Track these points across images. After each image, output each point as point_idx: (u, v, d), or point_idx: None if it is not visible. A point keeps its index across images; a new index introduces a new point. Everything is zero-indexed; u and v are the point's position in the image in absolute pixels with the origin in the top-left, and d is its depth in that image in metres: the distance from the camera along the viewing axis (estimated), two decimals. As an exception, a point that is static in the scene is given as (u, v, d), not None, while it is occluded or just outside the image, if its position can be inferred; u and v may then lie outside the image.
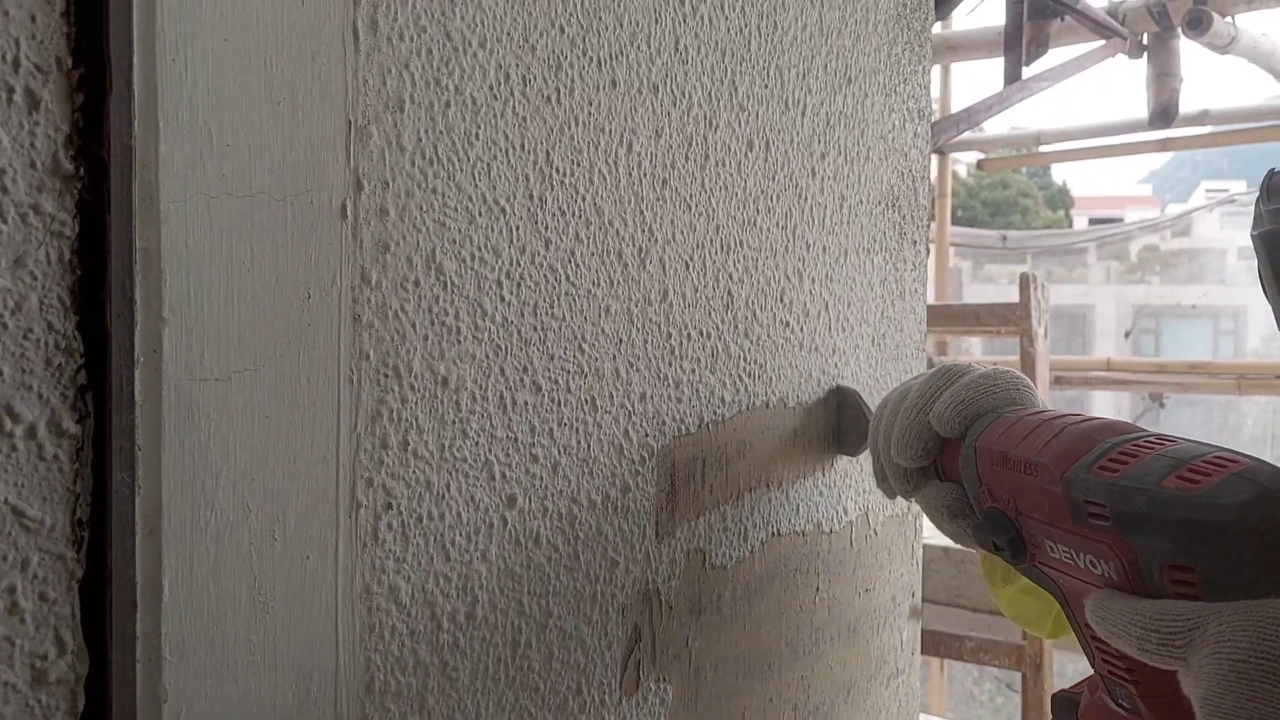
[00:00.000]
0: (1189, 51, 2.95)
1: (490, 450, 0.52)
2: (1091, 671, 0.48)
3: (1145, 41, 2.82)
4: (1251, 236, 0.65)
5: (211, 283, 0.39)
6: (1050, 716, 0.50)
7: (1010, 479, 0.50)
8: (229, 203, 0.40)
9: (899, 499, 0.66)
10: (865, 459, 0.84)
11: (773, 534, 0.74)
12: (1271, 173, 0.64)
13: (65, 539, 0.36)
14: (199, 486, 0.39)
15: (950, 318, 2.56)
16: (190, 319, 0.39)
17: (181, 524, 0.39)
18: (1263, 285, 0.65)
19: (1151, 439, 0.44)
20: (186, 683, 0.39)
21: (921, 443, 0.59)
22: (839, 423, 0.79)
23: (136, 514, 0.37)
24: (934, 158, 4.24)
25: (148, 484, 0.38)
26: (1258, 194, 0.66)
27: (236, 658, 0.41)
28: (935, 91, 4.22)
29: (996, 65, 2.53)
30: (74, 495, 0.36)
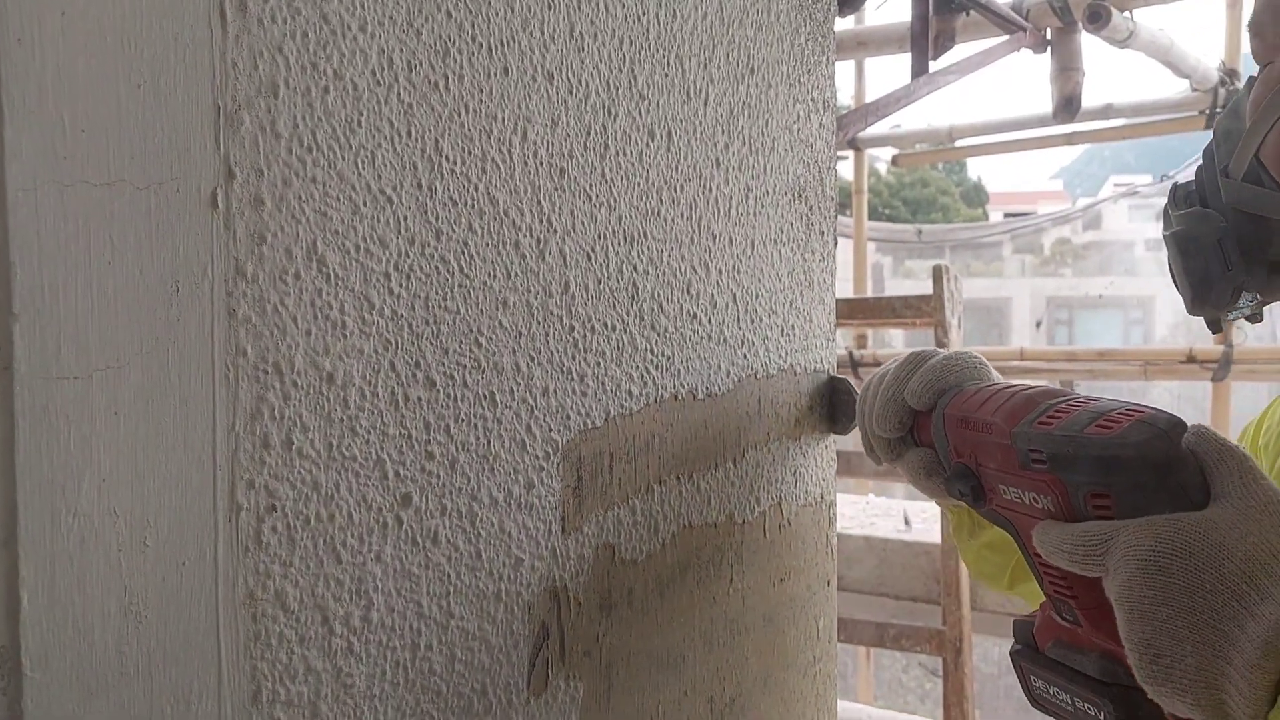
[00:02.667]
0: (1091, 46, 3.04)
1: (382, 448, 0.50)
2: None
3: (1048, 36, 2.90)
4: (1164, 237, 0.76)
5: (68, 276, 0.37)
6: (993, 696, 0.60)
7: (971, 438, 0.60)
8: (85, 191, 0.38)
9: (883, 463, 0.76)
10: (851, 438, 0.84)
11: (684, 526, 0.73)
12: (1175, 185, 0.75)
13: (-95, 551, 0.33)
14: (58, 491, 0.37)
15: (867, 310, 2.59)
16: (44, 315, 0.36)
17: (40, 531, 0.36)
18: (1173, 278, 0.75)
19: (1080, 399, 0.54)
20: (50, 699, 0.37)
21: (899, 416, 0.70)
22: (831, 407, 0.91)
23: (-13, 522, 0.35)
24: (850, 153, 4.30)
25: (1, 490, 0.35)
26: (1167, 200, 0.76)
27: (106, 671, 0.39)
28: (849, 87, 4.29)
29: (908, 62, 2.57)
30: (-85, 504, 0.34)
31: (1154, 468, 0.47)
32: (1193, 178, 0.75)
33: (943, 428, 0.65)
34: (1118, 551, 0.46)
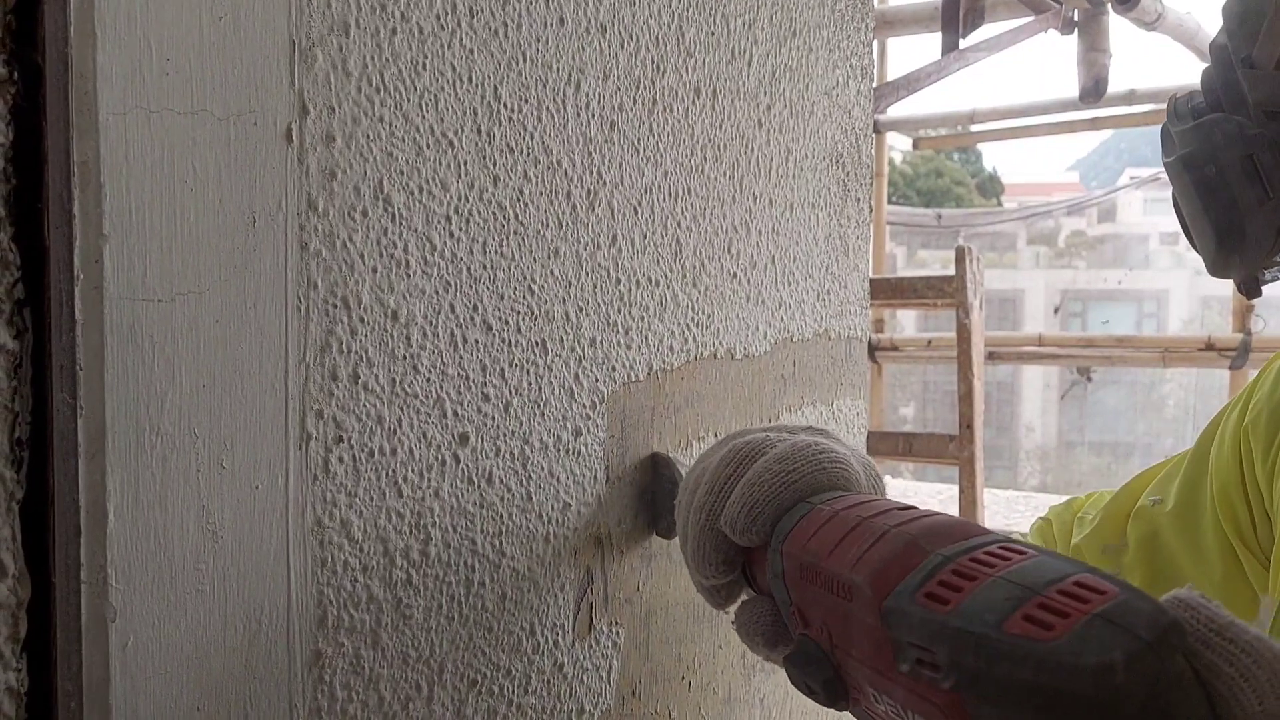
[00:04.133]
0: (1118, 30, 3.02)
1: (442, 387, 0.51)
2: None
3: (1076, 17, 2.89)
4: (1165, 165, 0.58)
5: (153, 200, 0.38)
6: None
7: (822, 600, 0.39)
8: (170, 119, 0.38)
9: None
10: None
11: (722, 483, 0.74)
12: (1174, 97, 0.59)
13: (4, 458, 0.35)
14: (143, 410, 0.38)
15: (889, 290, 2.60)
16: (131, 237, 0.37)
17: (126, 447, 0.37)
18: (1184, 225, 0.59)
19: (995, 549, 0.34)
20: (133, 610, 0.38)
21: (721, 554, 0.48)
22: (654, 499, 0.65)
23: (79, 435, 0.36)
24: (870, 136, 4.29)
25: (90, 405, 0.36)
26: (1165, 120, 0.59)
27: (185, 586, 0.40)
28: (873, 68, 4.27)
29: (932, 43, 2.58)
30: (12, 413, 0.35)
31: (1131, 707, 0.27)
32: (1198, 86, 0.56)
33: (781, 576, 0.43)
34: None
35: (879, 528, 0.37)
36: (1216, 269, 0.55)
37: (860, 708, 0.38)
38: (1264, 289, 0.54)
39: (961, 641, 0.30)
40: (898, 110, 3.82)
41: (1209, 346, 3.25)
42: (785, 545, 0.42)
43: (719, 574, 0.48)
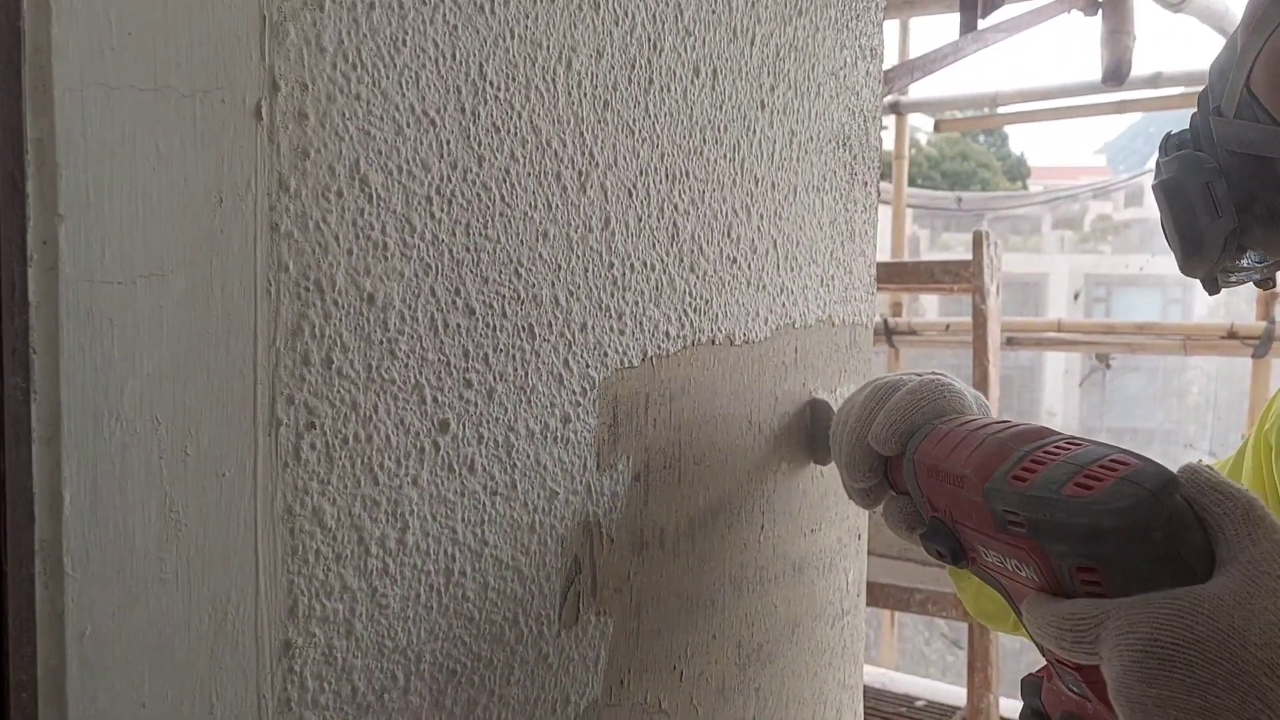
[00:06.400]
0: (1142, 10, 2.96)
1: (421, 373, 0.50)
2: None
3: (1100, -2, 2.83)
4: (1152, 187, 0.69)
5: (113, 180, 0.37)
6: (1020, 689, 0.52)
7: (944, 490, 0.53)
8: (131, 96, 0.37)
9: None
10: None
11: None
12: (1168, 134, 0.69)
13: (-48, 444, 0.34)
14: (102, 395, 0.37)
15: (906, 274, 2.56)
16: (89, 217, 0.36)
17: (82, 433, 0.37)
18: (1165, 233, 0.68)
19: (1060, 444, 0.47)
20: (91, 599, 0.37)
21: (868, 464, 0.62)
22: (812, 434, 0.82)
23: (33, 420, 0.35)
24: (892, 118, 4.23)
25: (44, 389, 0.35)
26: (1157, 152, 0.70)
27: (146, 575, 0.39)
28: (894, 48, 4.22)
29: (956, 22, 2.52)
30: (-38, 398, 0.34)
31: (1143, 537, 0.40)
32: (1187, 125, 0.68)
33: (914, 476, 0.57)
34: (1109, 639, 0.39)
35: (981, 436, 0.51)
36: (1184, 268, 0.67)
37: (976, 564, 0.53)
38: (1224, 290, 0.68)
39: (1035, 504, 0.44)
40: (921, 92, 3.77)
41: (1231, 334, 3.20)
42: (916, 454, 0.57)
43: (867, 478, 0.63)
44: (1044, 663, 0.50)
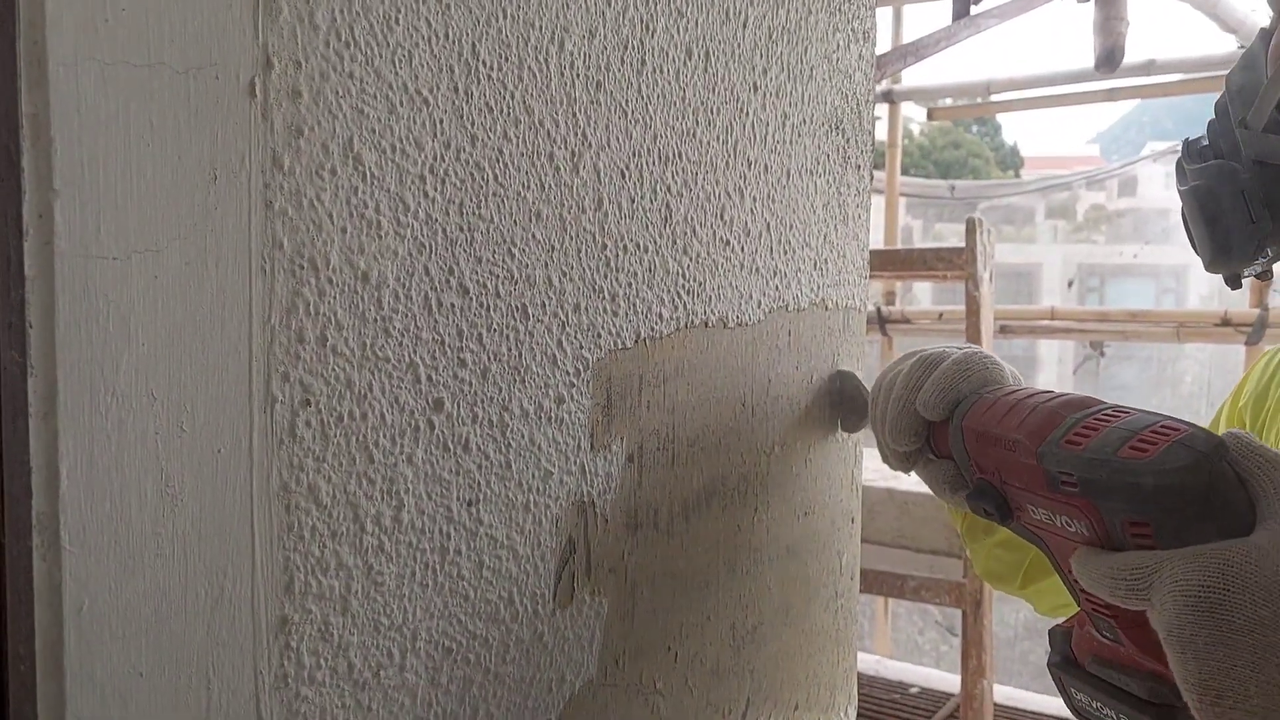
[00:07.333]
0: (1136, -2, 2.96)
1: (415, 351, 0.50)
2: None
3: (1093, -16, 2.83)
4: (1180, 192, 0.75)
5: (108, 155, 0.37)
6: (1047, 646, 0.56)
7: (994, 454, 0.57)
8: (125, 71, 0.37)
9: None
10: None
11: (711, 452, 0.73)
12: (1187, 140, 0.75)
13: (-51, 417, 0.34)
14: (98, 370, 0.37)
15: (899, 262, 2.57)
16: (85, 192, 0.36)
17: (79, 408, 0.37)
18: (1189, 235, 0.74)
19: (1109, 412, 0.51)
20: (89, 573, 0.37)
21: (913, 429, 0.66)
22: (840, 403, 0.87)
23: (29, 395, 0.35)
24: (885, 107, 4.23)
25: (40, 364, 0.36)
26: (1180, 156, 0.76)
27: (143, 550, 0.39)
28: (887, 35, 4.21)
29: (948, 9, 2.52)
30: (-42, 372, 0.34)
31: (1196, 495, 0.45)
32: (1204, 133, 0.74)
33: (962, 442, 0.61)
34: (1163, 586, 0.43)
35: (1031, 405, 0.55)
36: (1212, 268, 0.73)
37: (1020, 522, 0.56)
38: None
39: (1091, 465, 0.47)
40: (913, 80, 3.77)
41: (1225, 322, 3.21)
42: (965, 421, 0.61)
43: (910, 442, 0.67)
44: (1046, 624, 0.55)
